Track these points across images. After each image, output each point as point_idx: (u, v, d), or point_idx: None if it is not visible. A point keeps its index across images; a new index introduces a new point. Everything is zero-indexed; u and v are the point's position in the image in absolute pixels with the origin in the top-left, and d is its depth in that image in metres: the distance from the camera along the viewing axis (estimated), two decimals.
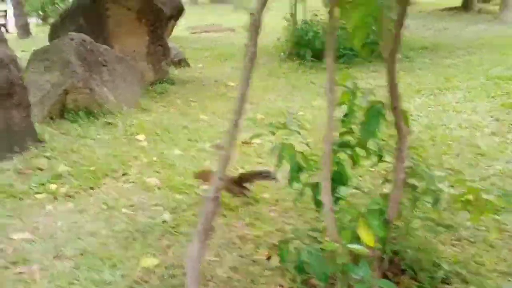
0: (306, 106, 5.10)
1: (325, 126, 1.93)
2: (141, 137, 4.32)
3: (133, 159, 3.81)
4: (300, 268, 1.83)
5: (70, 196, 3.18)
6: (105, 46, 5.25)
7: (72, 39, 4.82)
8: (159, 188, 3.27)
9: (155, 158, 3.80)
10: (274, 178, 2.96)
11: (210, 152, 3.93)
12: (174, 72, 7.06)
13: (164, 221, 2.82)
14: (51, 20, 19.42)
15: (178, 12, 6.25)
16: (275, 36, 10.79)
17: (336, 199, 2.08)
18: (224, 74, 7.13)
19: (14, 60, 3.67)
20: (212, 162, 3.66)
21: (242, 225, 2.78)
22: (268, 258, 2.38)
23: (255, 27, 1.69)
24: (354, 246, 1.74)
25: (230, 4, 20.86)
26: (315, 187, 2.16)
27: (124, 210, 2.98)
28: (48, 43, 6.35)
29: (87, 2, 5.71)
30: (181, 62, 7.53)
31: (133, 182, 3.40)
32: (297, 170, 2.26)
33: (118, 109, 5.02)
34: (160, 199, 3.11)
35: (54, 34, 6.27)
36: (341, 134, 2.37)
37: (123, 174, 3.51)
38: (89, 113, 4.83)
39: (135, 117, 4.93)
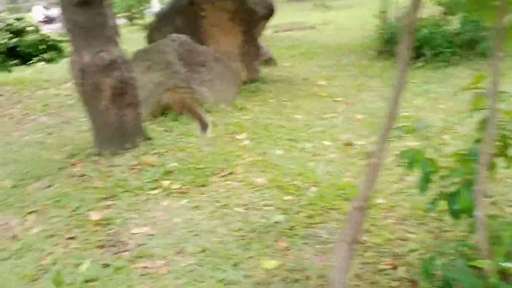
0: (408, 106, 4.88)
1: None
2: (242, 136, 4.36)
3: (237, 158, 3.85)
4: (448, 285, 1.72)
5: (183, 193, 3.27)
6: (203, 47, 5.38)
7: (173, 40, 4.98)
8: (267, 188, 3.27)
9: (258, 158, 3.82)
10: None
11: (311, 152, 3.88)
12: (263, 71, 7.09)
13: (277, 222, 2.82)
14: (138, 21, 20.38)
15: (270, 12, 6.25)
16: (360, 33, 10.63)
17: None
18: (312, 73, 7.05)
19: (126, 61, 3.85)
20: (315, 164, 3.62)
21: None
22: (394, 268, 2.29)
23: (409, 29, 1.60)
24: (509, 265, 1.62)
25: (308, 2, 20.72)
26: (453, 196, 2.04)
27: (236, 209, 3.02)
28: (142, 43, 6.65)
29: (184, 3, 5.87)
30: (269, 61, 7.55)
31: (241, 181, 3.43)
32: (428, 178, 2.15)
33: (216, 107, 5.12)
34: (270, 199, 3.11)
35: (151, 34, 6.52)
36: (476, 141, 2.23)
37: (230, 173, 3.56)
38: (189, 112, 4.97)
39: (233, 115, 5.00)
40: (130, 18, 21.02)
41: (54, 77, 8.37)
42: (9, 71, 10.14)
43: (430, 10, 11.86)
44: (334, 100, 5.40)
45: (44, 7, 29.58)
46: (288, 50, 9.37)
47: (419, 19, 6.80)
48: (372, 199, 2.99)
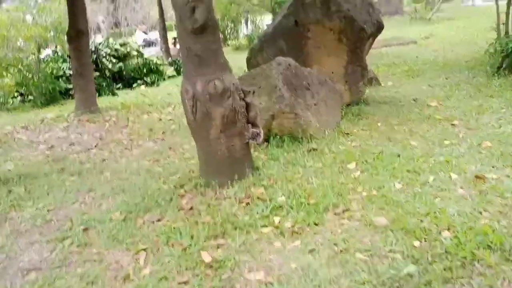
0: None
1: None
2: (352, 165, 4.05)
3: (350, 191, 3.55)
4: None
5: (296, 232, 3.03)
6: (309, 69, 5.17)
7: (279, 64, 4.82)
8: (391, 230, 2.92)
9: (374, 192, 3.48)
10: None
11: (436, 187, 3.46)
12: (366, 91, 6.72)
13: (409, 275, 2.46)
14: (232, 42, 20.86)
15: (379, 30, 5.90)
16: (468, 48, 9.84)
17: None
18: (421, 93, 6.54)
19: (238, 88, 3.72)
20: (443, 201, 3.20)
21: None
22: None
23: None
24: None
25: (403, 15, 19.87)
26: None
27: (358, 255, 2.70)
28: (238, 65, 6.59)
29: (289, 25, 5.72)
30: (371, 81, 7.16)
31: (358, 220, 3.12)
32: None
33: (320, 133, 4.86)
34: (395, 244, 2.76)
35: (252, 57, 6.45)
36: None
37: (345, 210, 3.26)
38: (293, 138, 4.76)
39: (339, 142, 4.70)
40: (223, 39, 21.60)
41: (156, 101, 8.68)
42: (114, 94, 10.73)
43: None
44: (452, 124, 4.89)
45: (143, 31, 31.53)
46: (390, 67, 8.90)
47: None
48: None
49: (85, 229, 3.45)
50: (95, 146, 5.88)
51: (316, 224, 3.11)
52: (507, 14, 6.97)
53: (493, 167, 3.67)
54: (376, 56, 10.19)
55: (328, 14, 5.56)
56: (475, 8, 20.51)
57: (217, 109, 3.63)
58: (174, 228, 3.27)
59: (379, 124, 5.25)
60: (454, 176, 3.58)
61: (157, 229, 3.31)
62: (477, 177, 3.50)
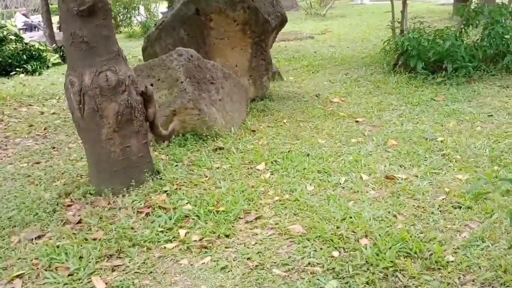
0: (441, 130, 4.39)
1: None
2: (261, 166, 3.79)
3: (261, 195, 3.28)
4: None
5: (205, 247, 2.68)
6: (212, 62, 4.80)
7: (180, 55, 4.39)
8: (307, 239, 2.70)
9: (287, 196, 3.25)
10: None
11: (348, 188, 3.33)
12: (270, 86, 6.54)
13: None
14: (124, 29, 19.69)
15: (283, 22, 5.71)
16: (364, 45, 10.18)
17: None
18: (323, 88, 6.52)
19: (134, 81, 3.24)
20: (357, 204, 3.07)
21: None
22: None
23: None
24: None
25: (298, 10, 20.30)
26: None
27: (275, 270, 2.44)
28: (133, 54, 6.05)
29: (190, 13, 5.28)
30: (274, 76, 6.99)
31: (272, 228, 2.86)
32: None
33: (226, 131, 4.54)
34: (314, 256, 2.54)
35: (150, 46, 5.92)
36: None
37: (258, 218, 2.98)
38: (197, 136, 4.39)
39: (246, 140, 4.43)
40: (115, 26, 20.30)
41: (38, 92, 7.71)
42: None
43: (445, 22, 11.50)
44: (356, 121, 4.87)
45: (23, 14, 28.61)
46: (290, 62, 8.86)
47: (438, 31, 6.36)
48: (438, 254, 2.45)
49: None
50: None
51: (227, 236, 2.79)
52: (402, 12, 7.22)
53: (401, 166, 3.64)
54: (276, 50, 10.11)
55: (231, 4, 5.23)
56: (365, 7, 21.62)
57: (109, 105, 3.13)
58: (58, 247, 2.74)
59: (284, 120, 5.08)
60: (365, 176, 3.48)
61: (37, 249, 2.74)
62: (387, 177, 3.44)
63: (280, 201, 3.19)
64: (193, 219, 2.98)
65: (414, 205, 3.03)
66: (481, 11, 6.42)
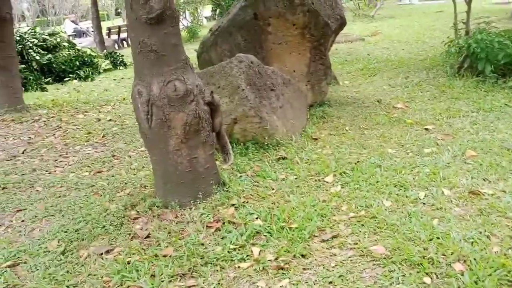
0: None
1: None
2: (329, 178, 3.59)
3: (335, 211, 3.08)
4: None
5: (281, 268, 2.50)
6: (272, 68, 4.65)
7: (240, 61, 4.26)
8: (393, 262, 2.47)
9: (362, 212, 3.03)
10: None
11: (429, 204, 3.07)
12: (328, 92, 6.32)
13: None
14: None
15: (342, 25, 5.49)
16: (420, 46, 9.78)
17: None
18: (384, 93, 6.24)
19: (202, 91, 3.12)
20: (443, 223, 2.81)
21: None
22: None
23: None
24: None
25: (345, 11, 19.93)
26: None
27: None
28: (196, 61, 5.97)
29: (247, 17, 5.15)
30: (330, 80, 6.75)
31: (352, 248, 2.65)
32: None
33: (287, 139, 4.37)
34: (403, 282, 2.31)
35: (204, 52, 5.84)
36: None
37: (334, 236, 2.78)
38: (258, 144, 4.24)
39: (309, 149, 4.24)
40: None
41: (93, 98, 7.81)
42: (43, 89, 9.66)
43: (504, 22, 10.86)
44: (426, 129, 4.58)
45: (72, 20, 29.54)
46: (344, 65, 8.60)
47: (507, 32, 5.95)
48: None
49: (13, 265, 2.74)
50: (23, 153, 5.01)
51: (303, 256, 2.61)
52: (468, 13, 6.83)
53: (485, 180, 3.35)
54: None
55: (291, 7, 5.06)
56: (414, 7, 20.98)
57: (177, 116, 3.01)
58: (128, 263, 2.64)
59: (347, 128, 4.85)
60: (446, 191, 3.21)
61: (107, 264, 2.66)
62: (471, 192, 3.15)
63: (356, 217, 2.97)
64: (265, 235, 2.82)
65: (507, 225, 2.74)
66: None
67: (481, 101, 5.27)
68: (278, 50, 5.28)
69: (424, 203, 3.10)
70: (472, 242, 2.59)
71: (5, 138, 5.59)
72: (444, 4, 17.63)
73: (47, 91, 9.50)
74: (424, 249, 2.56)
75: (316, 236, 2.80)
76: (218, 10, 20.12)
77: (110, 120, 6.21)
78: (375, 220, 2.91)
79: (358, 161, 3.86)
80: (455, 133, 4.36)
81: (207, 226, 2.97)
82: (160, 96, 2.95)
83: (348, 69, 8.18)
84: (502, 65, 5.82)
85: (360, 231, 2.82)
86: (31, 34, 10.86)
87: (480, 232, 2.68)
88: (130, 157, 4.55)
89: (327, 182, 3.55)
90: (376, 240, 2.71)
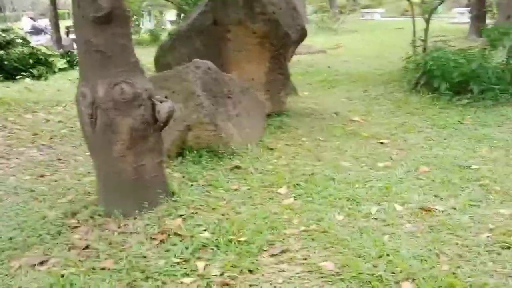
0: (473, 156, 4.10)
1: None
2: (283, 190, 3.51)
3: (286, 224, 2.99)
4: None
5: (226, 285, 2.38)
6: (230, 75, 4.55)
7: (197, 67, 4.14)
8: (342, 280, 2.40)
9: (314, 226, 2.95)
10: None
11: (381, 220, 3.04)
12: (286, 102, 6.28)
13: None
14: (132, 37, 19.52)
15: (302, 36, 5.48)
16: (380, 61, 9.94)
17: None
18: (342, 106, 6.26)
19: (152, 95, 2.97)
20: (393, 240, 2.77)
21: None
22: None
23: None
24: None
25: (309, 23, 20.14)
26: None
27: None
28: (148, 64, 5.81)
29: (207, 23, 5.05)
30: (289, 90, 6.72)
31: (301, 263, 2.56)
32: None
33: (243, 148, 4.27)
34: None
35: (162, 56, 5.68)
36: None
37: (284, 251, 2.68)
38: (212, 153, 4.11)
39: (265, 159, 4.15)
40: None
41: (44, 97, 7.48)
42: None
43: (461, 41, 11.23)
44: (381, 143, 4.59)
45: (31, 17, 28.51)
46: (304, 77, 8.61)
47: (461, 51, 6.11)
48: None
49: None
50: None
51: (250, 271, 2.49)
52: (426, 30, 6.98)
53: (436, 196, 3.35)
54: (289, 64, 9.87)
55: (251, 15, 5.00)
56: (377, 22, 21.47)
57: (123, 120, 2.85)
58: (62, 276, 2.45)
59: (303, 139, 4.80)
60: (398, 207, 3.19)
61: (40, 277, 2.45)
62: (423, 209, 3.14)
63: (307, 231, 2.89)
64: (212, 249, 2.69)
65: (457, 243, 2.72)
66: (507, 32, 6.17)
67: (436, 117, 5.36)
68: (238, 57, 5.19)
69: (375, 218, 3.06)
70: (422, 260, 2.55)
71: None
72: (405, 22, 18.11)
73: None
74: (374, 266, 2.50)
75: (265, 250, 2.69)
76: (182, 15, 19.93)
77: (59, 121, 5.93)
78: (326, 235, 2.84)
79: (312, 173, 3.80)
80: (409, 148, 4.40)
81: (151, 237, 2.81)
82: (105, 99, 2.79)
83: (309, 80, 8.20)
84: (456, 83, 5.96)
85: (310, 246, 2.74)
86: None
87: (430, 250, 2.65)
88: (77, 161, 4.33)
89: (280, 193, 3.47)
90: (326, 256, 2.63)
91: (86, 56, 2.81)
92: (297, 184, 3.60)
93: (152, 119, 2.98)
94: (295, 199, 3.36)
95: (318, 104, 6.40)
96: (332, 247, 2.72)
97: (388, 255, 2.60)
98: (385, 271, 2.45)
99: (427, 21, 7.00)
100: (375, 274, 2.42)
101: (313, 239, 2.81)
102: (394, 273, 2.44)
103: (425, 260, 2.55)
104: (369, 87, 7.28)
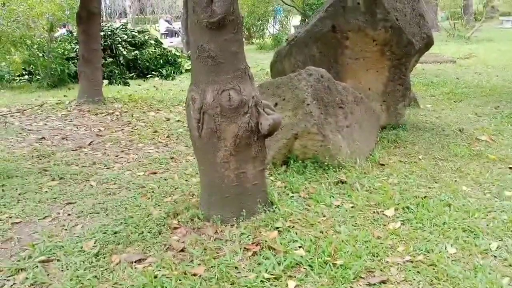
0: None
1: None
2: (390, 212, 3.24)
3: (389, 251, 2.74)
4: None
5: None
6: (343, 84, 4.36)
7: (310, 74, 4.03)
8: None
9: (421, 257, 2.66)
10: None
11: (501, 259, 2.64)
12: (404, 114, 5.88)
13: None
14: (256, 41, 20.06)
15: (428, 45, 5.08)
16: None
17: None
18: (467, 122, 5.68)
19: (258, 103, 2.93)
20: (511, 281, 2.38)
21: None
22: None
23: None
24: None
25: (440, 31, 18.86)
26: None
27: None
28: (267, 68, 5.81)
29: (325, 29, 4.91)
30: (409, 102, 6.30)
31: None
32: None
33: (351, 162, 4.06)
34: None
35: (278, 61, 5.67)
36: None
37: (383, 281, 2.45)
38: (317, 164, 3.97)
39: (374, 176, 3.89)
40: (247, 37, 20.81)
41: (168, 97, 7.95)
42: (126, 83, 10.04)
43: None
44: (510, 168, 4.05)
45: (167, 20, 30.82)
46: (428, 87, 8.04)
47: None
48: None
49: (47, 261, 2.71)
50: (89, 144, 5.15)
51: None
52: None
53: None
54: (412, 73, 9.28)
55: (372, 22, 4.74)
56: None
57: (229, 127, 2.85)
58: (155, 277, 2.50)
59: (420, 156, 4.43)
60: None
61: (135, 275, 2.54)
62: None
63: (412, 262, 2.62)
64: (305, 268, 2.56)
65: None
66: None
67: None
68: (354, 65, 4.97)
69: (495, 256, 2.67)
70: None
71: (77, 128, 5.80)
72: None
73: (129, 85, 9.88)
74: None
75: (362, 278, 2.49)
76: (306, 20, 19.99)
77: (178, 120, 6.25)
78: (434, 269, 2.54)
79: (425, 196, 3.46)
80: None
81: (245, 248, 2.76)
82: (213, 105, 2.81)
83: (433, 92, 7.62)
84: None
85: (414, 279, 2.47)
86: (122, 29, 11.37)
87: None
88: (187, 161, 4.48)
89: (386, 215, 3.21)
90: None
91: (198, 61, 2.85)
92: (407, 207, 3.30)
93: (257, 128, 2.94)
94: (402, 224, 3.08)
95: (440, 118, 5.89)
96: (440, 283, 2.42)
97: None
98: None
99: None
100: None
101: (418, 272, 2.53)
102: None
103: None
104: (502, 102, 6.53)
